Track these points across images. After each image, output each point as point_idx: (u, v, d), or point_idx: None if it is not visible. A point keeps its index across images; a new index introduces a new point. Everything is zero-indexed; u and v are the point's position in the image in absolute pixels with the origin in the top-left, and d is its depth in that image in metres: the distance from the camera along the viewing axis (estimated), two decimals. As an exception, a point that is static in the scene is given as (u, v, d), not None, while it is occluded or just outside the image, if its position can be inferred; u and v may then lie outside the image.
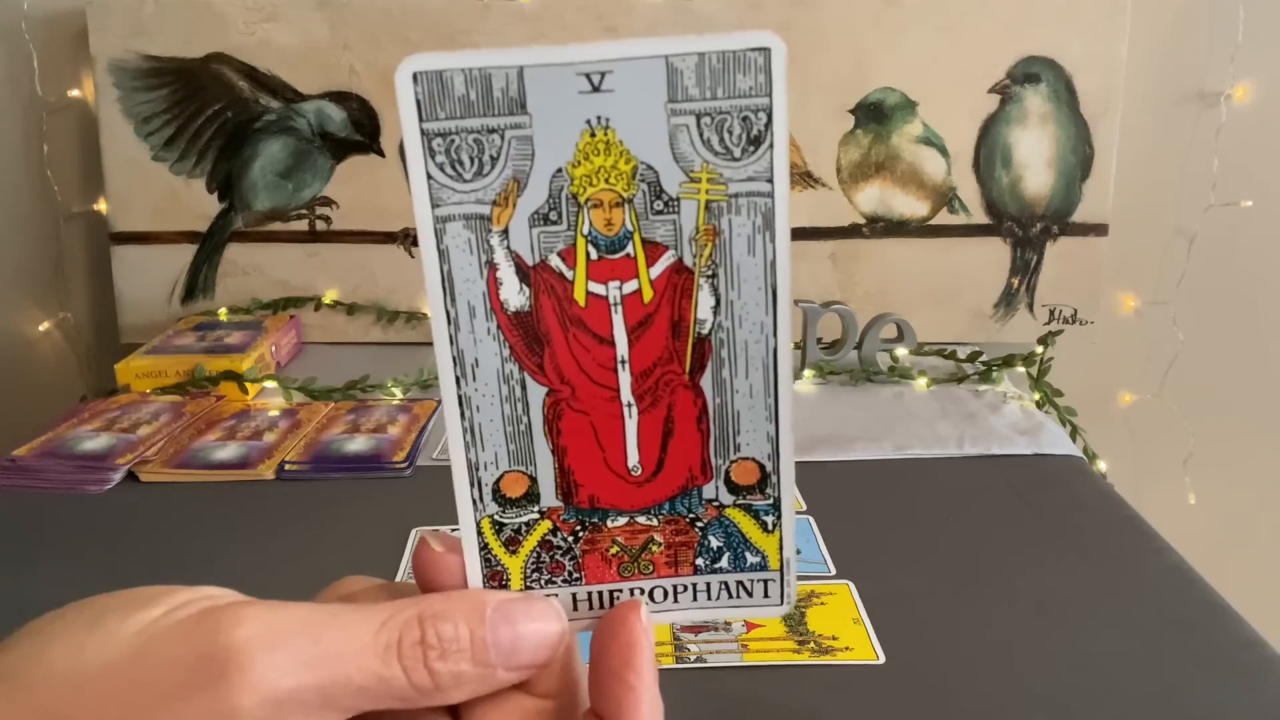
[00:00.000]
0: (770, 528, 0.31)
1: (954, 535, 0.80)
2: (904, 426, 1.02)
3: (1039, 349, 1.14)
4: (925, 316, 1.24)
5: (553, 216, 0.28)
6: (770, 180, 0.28)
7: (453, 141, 0.27)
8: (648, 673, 0.28)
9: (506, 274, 0.29)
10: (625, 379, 0.30)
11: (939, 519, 0.83)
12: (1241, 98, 1.30)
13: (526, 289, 0.29)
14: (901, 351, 1.15)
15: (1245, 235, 1.34)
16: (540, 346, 0.29)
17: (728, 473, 0.31)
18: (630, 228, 0.28)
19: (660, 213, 0.28)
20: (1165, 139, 1.34)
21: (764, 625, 0.67)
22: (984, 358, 1.17)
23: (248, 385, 1.10)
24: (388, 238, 1.31)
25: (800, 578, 0.72)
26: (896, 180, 1.29)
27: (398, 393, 1.11)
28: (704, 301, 0.29)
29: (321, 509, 0.86)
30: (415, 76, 0.27)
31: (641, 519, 0.31)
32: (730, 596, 0.32)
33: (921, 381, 1.13)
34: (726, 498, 0.31)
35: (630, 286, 0.29)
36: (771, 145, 0.28)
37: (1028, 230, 1.30)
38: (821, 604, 0.70)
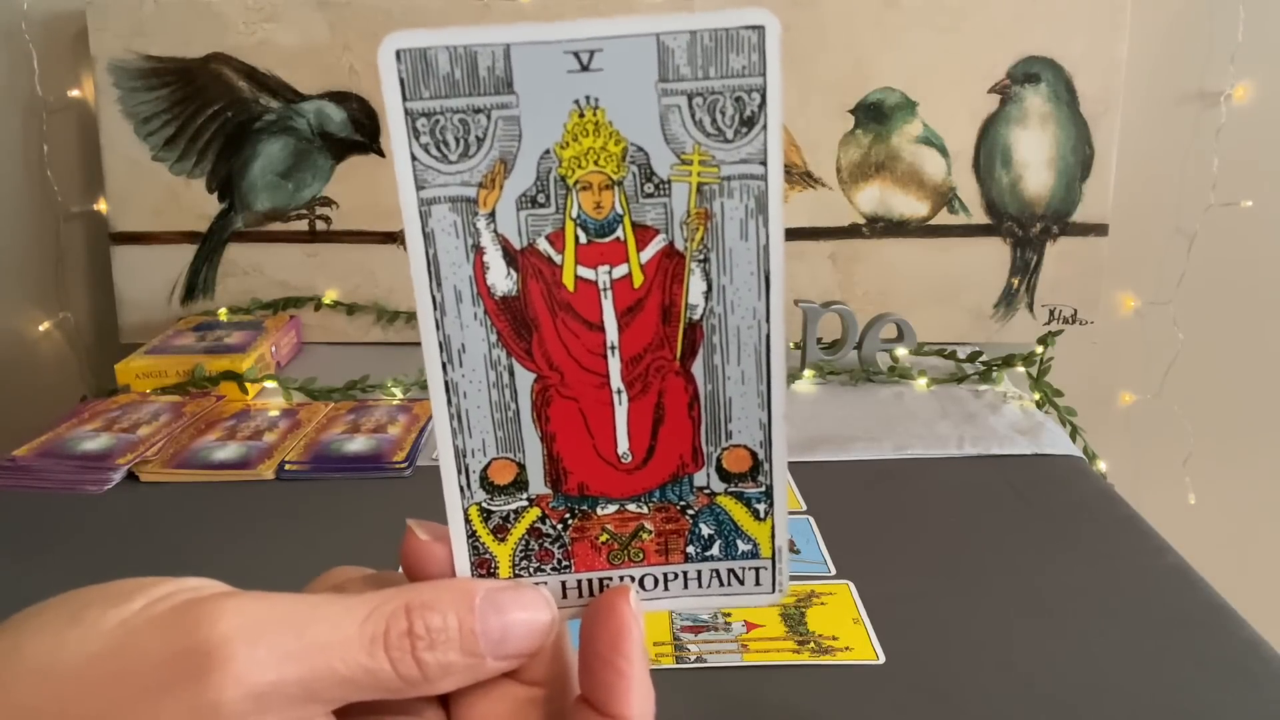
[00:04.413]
0: (762, 515, 0.31)
1: (954, 535, 0.80)
2: (904, 426, 1.01)
3: (1039, 349, 1.14)
4: (925, 316, 1.24)
5: (540, 199, 0.28)
6: (764, 163, 0.28)
7: (437, 121, 0.27)
8: (638, 658, 0.28)
9: (493, 258, 0.28)
10: (615, 365, 0.29)
11: (939, 519, 0.83)
12: (1241, 98, 1.30)
13: (514, 273, 0.28)
14: (901, 351, 1.15)
15: (1245, 235, 1.34)
16: (528, 332, 0.29)
17: (719, 460, 0.30)
18: (620, 211, 0.28)
19: (651, 195, 0.28)
20: (1165, 139, 1.33)
21: (764, 625, 0.67)
22: (984, 358, 1.17)
23: (248, 385, 1.10)
24: (388, 238, 1.31)
25: (800, 578, 0.72)
26: (896, 180, 1.29)
27: (398, 393, 1.11)
28: (695, 286, 0.29)
29: (321, 509, 0.86)
30: (399, 54, 0.26)
31: (631, 506, 0.31)
32: (721, 584, 0.31)
33: (921, 381, 1.13)
34: (718, 485, 0.30)
35: (620, 271, 0.29)
36: (765, 127, 0.27)
37: (1028, 230, 1.30)
38: (821, 604, 0.69)
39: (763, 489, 0.31)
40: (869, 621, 0.67)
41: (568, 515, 0.30)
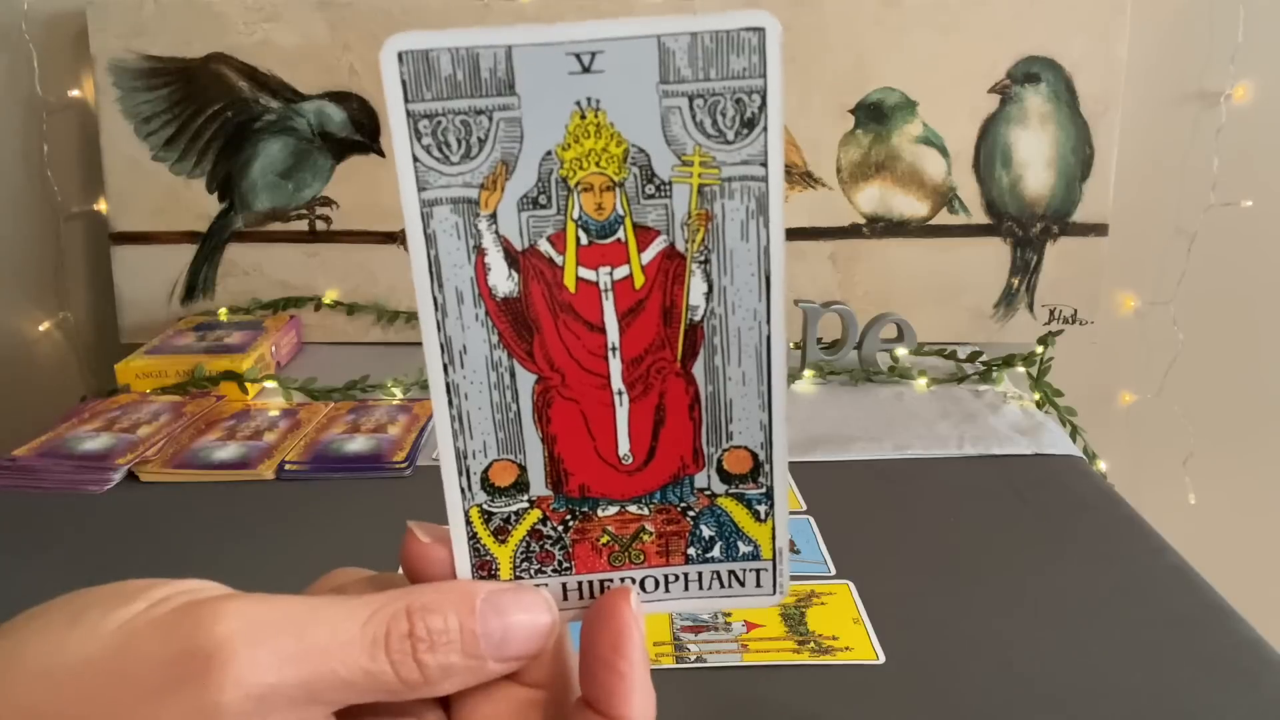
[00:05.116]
0: (763, 517, 0.31)
1: (954, 535, 0.80)
2: (904, 426, 1.01)
3: (1039, 349, 1.14)
4: (925, 316, 1.24)
5: (542, 200, 0.28)
6: (764, 164, 0.28)
7: (439, 123, 0.27)
8: (638, 660, 0.28)
9: (495, 259, 0.28)
10: (616, 366, 0.29)
11: (939, 519, 0.83)
12: (1241, 98, 1.30)
13: (515, 274, 0.28)
14: (901, 351, 1.15)
15: (1245, 235, 1.34)
16: (529, 333, 0.29)
17: (720, 461, 0.30)
18: (621, 212, 0.28)
19: (652, 197, 0.28)
20: (1165, 139, 1.33)
21: (764, 625, 0.67)
22: (984, 358, 1.17)
23: (248, 385, 1.10)
24: (388, 238, 1.31)
25: (800, 578, 0.72)
26: (896, 180, 1.29)
27: (398, 393, 1.11)
28: (696, 288, 0.29)
29: (321, 509, 0.86)
30: (400, 56, 0.26)
31: (632, 508, 0.30)
32: (722, 586, 0.31)
33: (921, 381, 1.13)
34: (719, 487, 0.30)
35: (621, 272, 0.29)
36: (766, 128, 0.27)
37: (1028, 230, 1.30)
38: (821, 604, 0.69)
39: (763, 490, 0.31)
40: (869, 621, 0.67)
41: (569, 517, 0.30)
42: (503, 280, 0.28)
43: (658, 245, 0.28)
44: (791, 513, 0.82)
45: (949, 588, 0.72)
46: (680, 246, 0.28)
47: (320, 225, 1.32)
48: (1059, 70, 1.26)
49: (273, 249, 1.33)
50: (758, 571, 0.31)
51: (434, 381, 0.29)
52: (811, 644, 0.65)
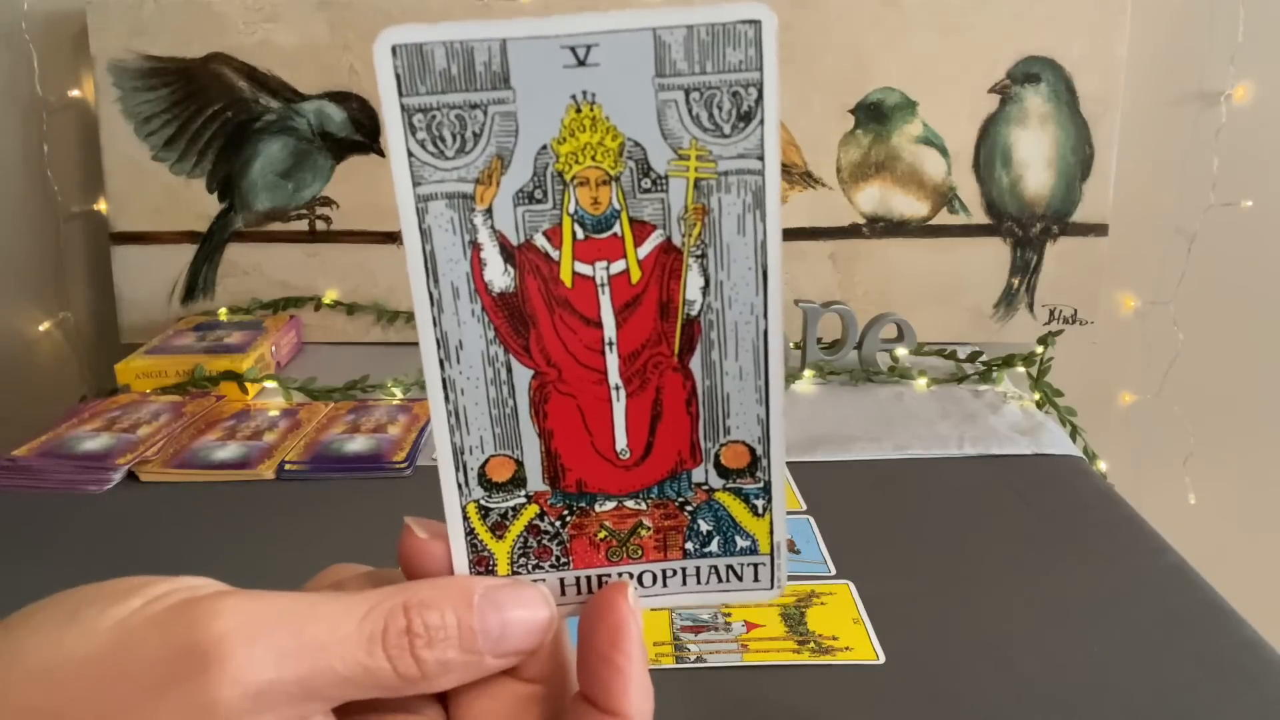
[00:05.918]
0: (760, 511, 0.31)
1: (954, 535, 0.80)
2: (904, 426, 1.01)
3: (1039, 349, 1.14)
4: (925, 316, 1.24)
5: (538, 195, 0.28)
6: (761, 158, 0.27)
7: (434, 117, 0.27)
8: (636, 655, 0.28)
9: (491, 254, 0.28)
10: (613, 361, 0.29)
11: (939, 519, 0.83)
12: (1241, 98, 1.30)
13: (511, 269, 0.28)
14: (901, 351, 1.15)
15: (1245, 235, 1.34)
16: (526, 328, 0.29)
17: (717, 456, 0.30)
18: (617, 206, 0.28)
19: (648, 191, 0.28)
20: (1165, 139, 1.34)
21: (764, 625, 0.67)
22: (984, 358, 1.17)
23: (248, 385, 1.10)
24: (388, 238, 1.32)
25: (800, 578, 0.72)
26: (896, 180, 1.29)
27: (398, 393, 1.11)
28: (693, 282, 0.29)
29: (321, 509, 0.86)
30: (394, 50, 0.26)
31: (630, 503, 0.30)
32: (720, 581, 0.31)
33: (921, 381, 1.13)
34: (716, 481, 0.30)
35: (617, 267, 0.28)
36: (762, 122, 0.27)
37: (1028, 230, 1.30)
38: (821, 604, 0.69)
39: (761, 485, 0.30)
40: (869, 621, 0.67)
41: (566, 512, 0.30)
42: (498, 275, 0.28)
43: (654, 239, 0.28)
44: (791, 513, 0.82)
45: (949, 588, 0.72)
46: (677, 241, 0.28)
47: (320, 225, 1.32)
48: (1059, 70, 1.26)
49: (273, 249, 1.33)
50: (755, 566, 0.31)
51: (430, 377, 0.29)
52: (811, 644, 0.65)
